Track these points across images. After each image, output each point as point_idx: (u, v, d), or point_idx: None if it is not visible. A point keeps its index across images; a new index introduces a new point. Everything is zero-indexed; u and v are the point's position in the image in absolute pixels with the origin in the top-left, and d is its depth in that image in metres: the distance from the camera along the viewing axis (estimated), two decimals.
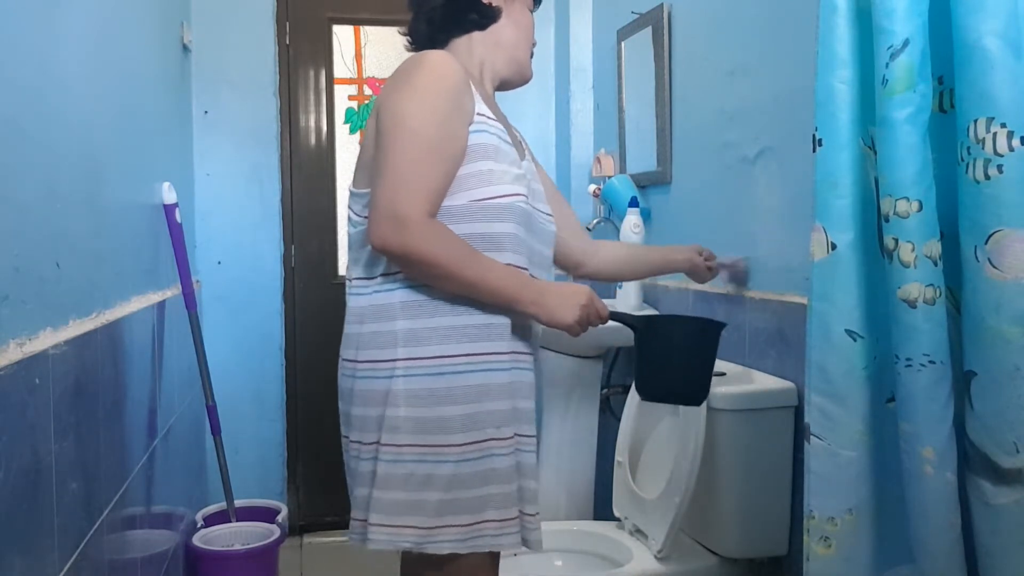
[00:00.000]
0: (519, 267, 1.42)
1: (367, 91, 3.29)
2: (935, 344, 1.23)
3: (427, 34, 1.54)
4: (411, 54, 1.46)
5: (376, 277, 1.40)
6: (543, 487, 2.68)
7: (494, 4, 1.52)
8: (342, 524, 3.32)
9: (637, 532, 2.04)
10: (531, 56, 1.58)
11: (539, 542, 1.42)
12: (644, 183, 2.63)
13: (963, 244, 1.21)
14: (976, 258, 1.18)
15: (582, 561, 2.11)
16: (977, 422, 1.22)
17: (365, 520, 1.38)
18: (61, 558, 1.21)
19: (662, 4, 2.49)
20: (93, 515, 1.40)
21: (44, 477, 1.15)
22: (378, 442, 1.37)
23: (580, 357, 2.56)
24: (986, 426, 1.21)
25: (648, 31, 2.58)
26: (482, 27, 1.51)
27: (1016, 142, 1.14)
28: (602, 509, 2.48)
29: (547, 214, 1.56)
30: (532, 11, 1.59)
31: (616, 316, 1.52)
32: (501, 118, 1.52)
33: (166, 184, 2.25)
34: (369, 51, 3.29)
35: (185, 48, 2.81)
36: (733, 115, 2.14)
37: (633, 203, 2.52)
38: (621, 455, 2.17)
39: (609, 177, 2.79)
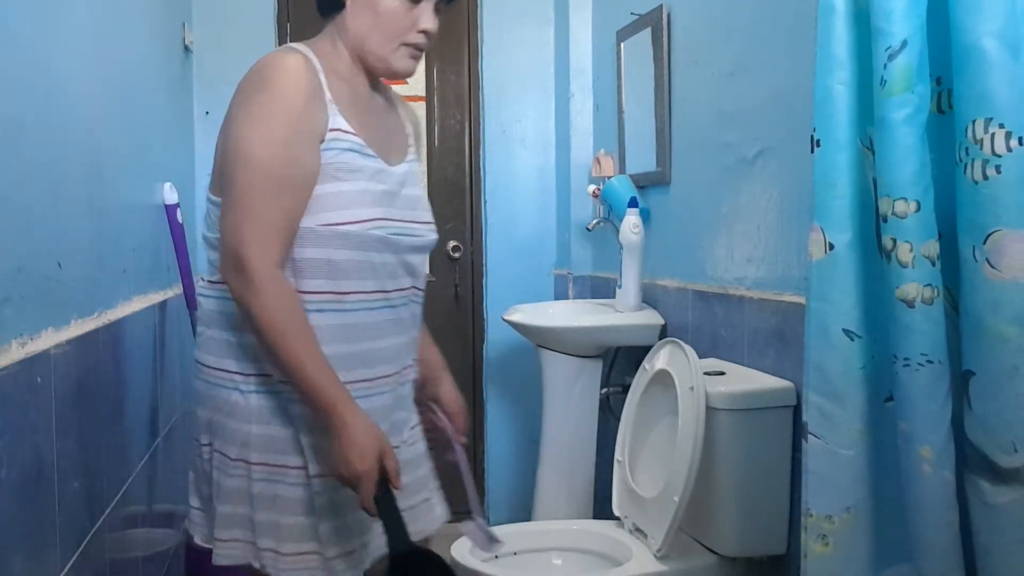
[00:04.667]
0: (365, 292, 1.35)
1: None
2: (933, 344, 1.23)
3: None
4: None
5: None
6: (544, 487, 2.69)
7: None
8: None
9: (637, 531, 2.04)
10: (400, 47, 1.38)
11: None
12: (644, 183, 2.64)
13: (961, 244, 1.21)
14: (974, 258, 1.18)
15: (582, 560, 2.12)
16: (975, 421, 1.23)
17: (252, 543, 1.34)
18: (63, 557, 1.22)
19: (661, 5, 2.49)
20: (95, 514, 1.41)
21: (46, 476, 1.15)
22: (246, 460, 1.33)
23: (580, 357, 2.57)
24: (984, 425, 1.21)
25: (647, 32, 2.58)
26: (323, 14, 1.41)
27: (1014, 142, 1.14)
28: (602, 508, 2.48)
29: (424, 223, 1.46)
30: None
31: (394, 526, 1.29)
32: (372, 117, 1.42)
33: (167, 184, 2.25)
34: None
35: (186, 49, 2.81)
36: (732, 115, 2.14)
37: (632, 203, 2.52)
38: (621, 454, 2.17)
39: (609, 177, 2.79)
